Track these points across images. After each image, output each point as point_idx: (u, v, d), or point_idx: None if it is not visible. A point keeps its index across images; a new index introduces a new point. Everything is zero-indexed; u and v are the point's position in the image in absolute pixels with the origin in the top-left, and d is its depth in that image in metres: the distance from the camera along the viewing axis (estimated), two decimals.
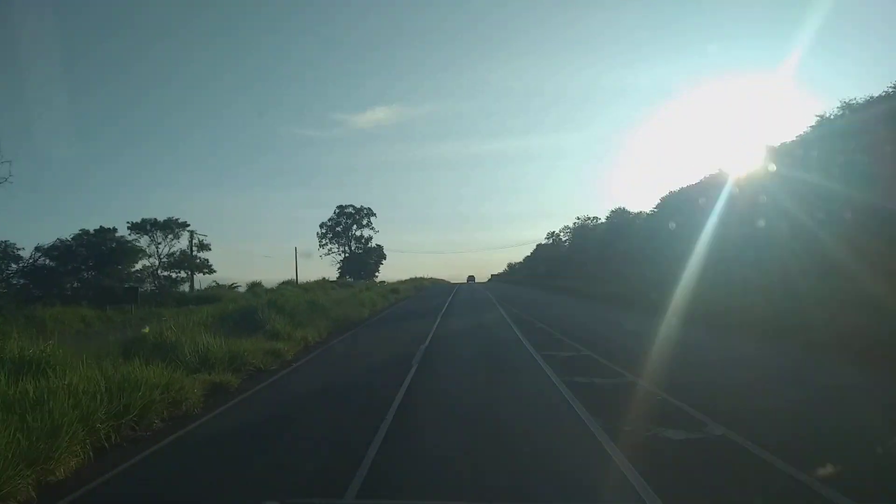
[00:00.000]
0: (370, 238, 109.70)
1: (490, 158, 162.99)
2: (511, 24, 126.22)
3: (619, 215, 64.09)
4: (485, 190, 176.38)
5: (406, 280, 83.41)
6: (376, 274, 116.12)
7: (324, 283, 72.71)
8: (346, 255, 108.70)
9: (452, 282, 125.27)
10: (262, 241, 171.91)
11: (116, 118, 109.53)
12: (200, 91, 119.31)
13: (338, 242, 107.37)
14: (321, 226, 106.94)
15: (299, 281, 72.49)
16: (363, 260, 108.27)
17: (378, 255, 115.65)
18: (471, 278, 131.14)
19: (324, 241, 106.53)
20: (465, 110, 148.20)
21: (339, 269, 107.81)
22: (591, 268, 55.02)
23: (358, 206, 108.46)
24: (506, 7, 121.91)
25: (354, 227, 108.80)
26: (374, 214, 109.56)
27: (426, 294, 50.60)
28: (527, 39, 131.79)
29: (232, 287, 50.60)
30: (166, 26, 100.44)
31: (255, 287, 56.62)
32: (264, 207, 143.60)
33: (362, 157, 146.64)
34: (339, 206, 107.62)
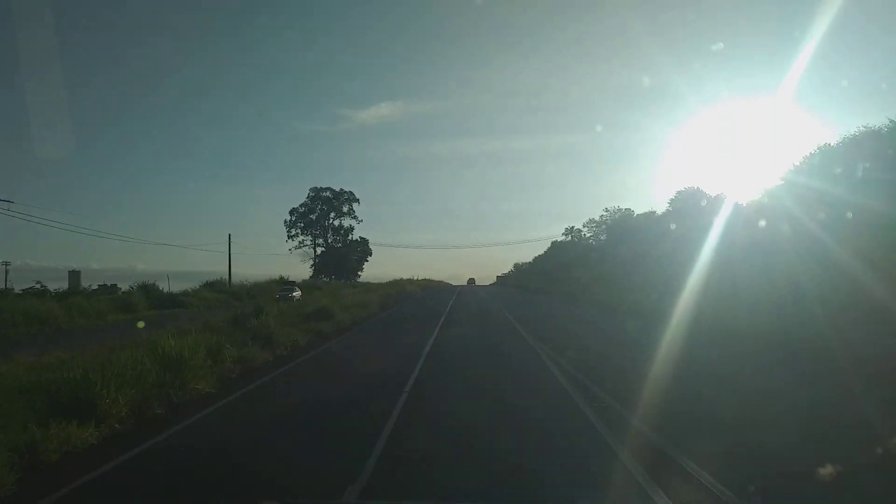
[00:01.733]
0: (351, 229, 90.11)
1: (494, 157, 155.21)
2: (521, 20, 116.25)
3: (690, 197, 44.86)
4: (489, 188, 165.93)
5: (385, 283, 63.66)
6: (359, 273, 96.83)
7: (270, 286, 53.22)
8: (323, 248, 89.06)
9: (454, 284, 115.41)
10: (260, 238, 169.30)
11: (117, 114, 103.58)
12: (204, 86, 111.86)
13: (311, 234, 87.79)
14: (291, 212, 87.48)
15: (247, 281, 53.07)
16: (343, 255, 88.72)
17: (362, 250, 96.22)
18: (471, 281, 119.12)
19: (294, 231, 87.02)
20: (471, 107, 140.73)
21: (312, 266, 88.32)
22: (643, 272, 35.95)
23: (336, 190, 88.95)
24: (516, 2, 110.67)
25: (332, 214, 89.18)
26: (356, 200, 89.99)
27: (395, 315, 29.94)
28: (536, 37, 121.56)
29: None
30: (170, 20, 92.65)
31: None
32: (262, 203, 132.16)
33: (367, 152, 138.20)
34: (314, 189, 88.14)
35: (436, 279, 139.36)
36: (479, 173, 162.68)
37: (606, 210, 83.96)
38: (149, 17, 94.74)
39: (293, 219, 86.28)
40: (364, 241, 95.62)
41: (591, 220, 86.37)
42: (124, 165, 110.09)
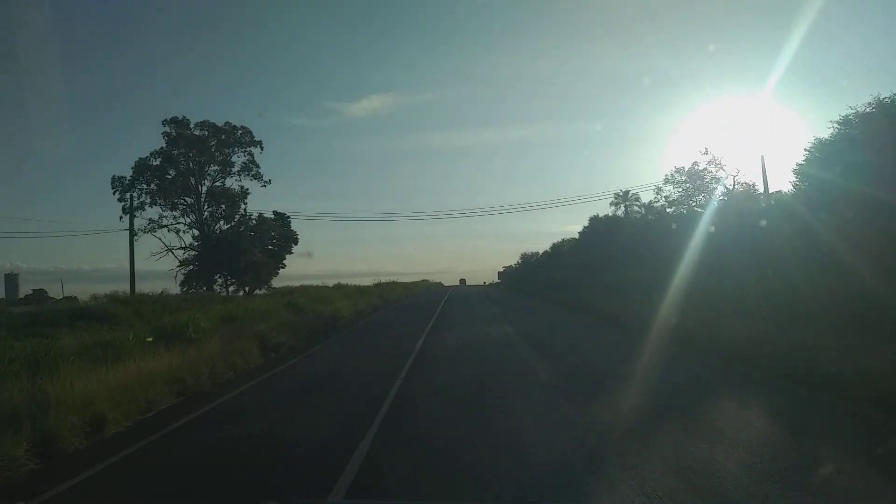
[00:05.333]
0: (245, 194, 50.98)
1: (492, 147, 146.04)
2: (514, 11, 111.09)
3: None
4: (492, 180, 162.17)
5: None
6: (277, 271, 58.09)
7: None
8: (196, 230, 49.98)
9: (446, 284, 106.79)
10: None
11: (111, 106, 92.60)
12: (190, 78, 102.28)
13: (170, 205, 48.54)
14: (135, 166, 47.88)
15: None
16: (235, 243, 49.45)
17: (281, 234, 57.54)
18: (462, 281, 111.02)
19: (139, 199, 47.39)
20: (465, 99, 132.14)
21: (180, 267, 49.43)
22: None
23: (219, 125, 49.74)
24: None
25: (210, 168, 50.09)
26: (255, 144, 51.09)
27: None
28: (528, 28, 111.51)
29: None
30: (156, 13, 72.66)
31: None
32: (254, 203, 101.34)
33: (358, 146, 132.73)
34: (173, 123, 48.50)
35: (416, 279, 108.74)
36: (472, 166, 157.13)
37: (697, 163, 46.51)
38: (134, 10, 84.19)
39: (131, 178, 46.94)
40: (281, 218, 56.97)
41: (679, 170, 48.13)
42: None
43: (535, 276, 69.92)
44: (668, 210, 45.66)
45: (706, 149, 45.69)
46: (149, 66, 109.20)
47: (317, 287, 56.16)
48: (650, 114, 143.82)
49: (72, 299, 40.52)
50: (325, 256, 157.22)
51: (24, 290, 53.42)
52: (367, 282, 75.89)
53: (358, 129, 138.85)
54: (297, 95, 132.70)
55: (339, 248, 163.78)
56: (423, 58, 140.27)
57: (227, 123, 49.54)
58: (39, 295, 44.02)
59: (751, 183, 43.94)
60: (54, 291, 48.97)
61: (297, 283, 61.30)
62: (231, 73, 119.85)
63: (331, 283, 63.99)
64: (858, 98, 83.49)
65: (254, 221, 52.42)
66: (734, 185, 46.39)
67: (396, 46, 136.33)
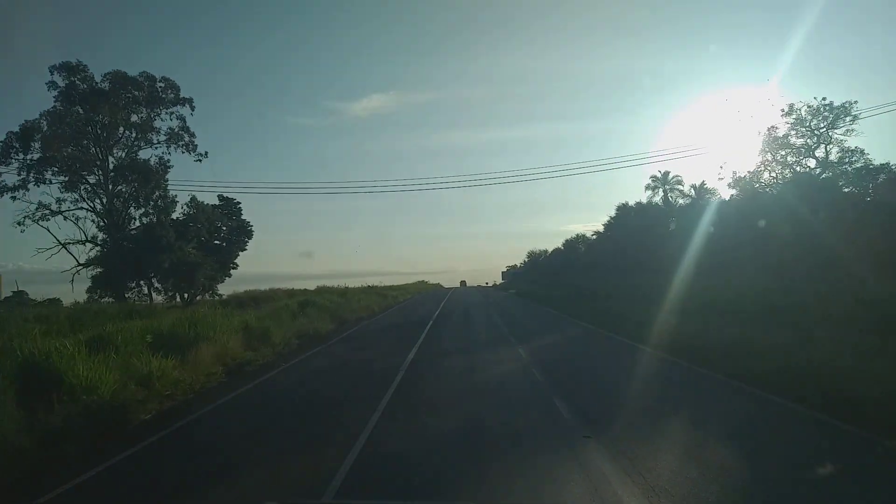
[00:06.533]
0: (165, 168, 37.62)
1: (494, 146, 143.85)
2: (515, 9, 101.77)
3: None
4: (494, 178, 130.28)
5: None
6: (228, 272, 45.08)
7: None
8: (102, 220, 36.87)
9: (446, 286, 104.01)
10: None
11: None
12: (189, 79, 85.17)
13: (67, 185, 35.40)
14: (19, 130, 34.84)
15: None
16: (159, 237, 36.19)
17: (233, 226, 44.80)
18: (463, 283, 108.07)
19: (21, 175, 34.45)
20: (466, 98, 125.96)
21: (81, 267, 36.48)
22: None
23: (131, 76, 36.58)
24: None
25: (125, 135, 37.01)
26: (184, 102, 37.96)
27: None
28: (529, 27, 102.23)
29: None
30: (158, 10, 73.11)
31: None
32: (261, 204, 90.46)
33: (359, 145, 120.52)
34: (61, 69, 35.32)
35: (416, 279, 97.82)
36: (475, 164, 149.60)
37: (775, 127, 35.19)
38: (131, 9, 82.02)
39: (2, 144, 33.92)
40: (230, 204, 44.15)
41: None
42: None
43: (559, 280, 55.87)
44: (757, 188, 33.21)
45: (790, 106, 33.40)
46: (149, 64, 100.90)
47: (279, 295, 43.28)
48: (660, 111, 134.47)
49: (55, 301, 34.43)
50: (326, 256, 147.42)
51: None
52: (371, 281, 63.34)
53: (359, 129, 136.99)
54: (300, 96, 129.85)
55: (340, 248, 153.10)
56: (425, 57, 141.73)
57: (142, 73, 36.47)
58: (19, 297, 37.29)
59: (858, 148, 32.01)
60: (55, 293, 39.27)
61: (266, 287, 48.59)
62: (229, 71, 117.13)
63: (334, 284, 51.78)
64: (862, 92, 74.52)
65: (187, 207, 39.47)
66: (826, 153, 34.31)
67: (398, 46, 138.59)
